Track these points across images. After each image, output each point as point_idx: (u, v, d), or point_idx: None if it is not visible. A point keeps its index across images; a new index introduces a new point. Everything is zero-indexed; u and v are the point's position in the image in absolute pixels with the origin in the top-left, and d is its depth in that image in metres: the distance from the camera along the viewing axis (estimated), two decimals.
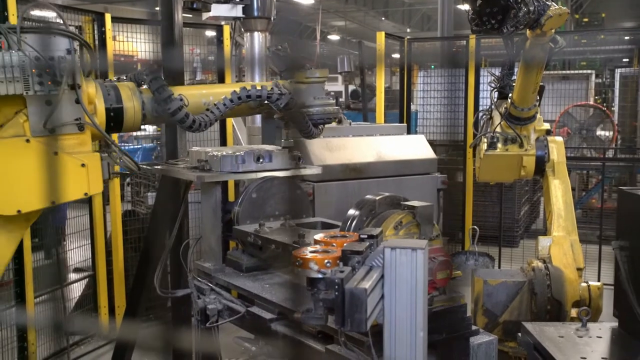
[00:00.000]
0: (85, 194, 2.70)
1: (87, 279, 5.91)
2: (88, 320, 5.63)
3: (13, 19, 4.52)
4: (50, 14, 5.57)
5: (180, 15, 4.18)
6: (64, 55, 2.56)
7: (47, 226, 5.54)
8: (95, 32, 5.53)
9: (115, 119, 2.91)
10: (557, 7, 3.98)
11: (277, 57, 3.50)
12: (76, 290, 5.88)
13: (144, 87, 3.00)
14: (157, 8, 4.39)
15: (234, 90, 3.16)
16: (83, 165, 2.65)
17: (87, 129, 2.69)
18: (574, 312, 3.99)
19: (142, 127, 3.09)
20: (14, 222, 2.64)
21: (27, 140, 2.56)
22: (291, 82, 3.42)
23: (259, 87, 3.20)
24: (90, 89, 2.79)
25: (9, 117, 2.56)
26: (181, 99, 2.96)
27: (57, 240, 5.62)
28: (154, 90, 2.92)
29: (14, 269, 4.73)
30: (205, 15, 5.83)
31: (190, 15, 6.16)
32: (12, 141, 2.55)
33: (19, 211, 2.59)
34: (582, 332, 2.92)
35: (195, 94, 3.17)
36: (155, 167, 3.65)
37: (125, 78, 3.06)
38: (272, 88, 3.21)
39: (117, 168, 3.10)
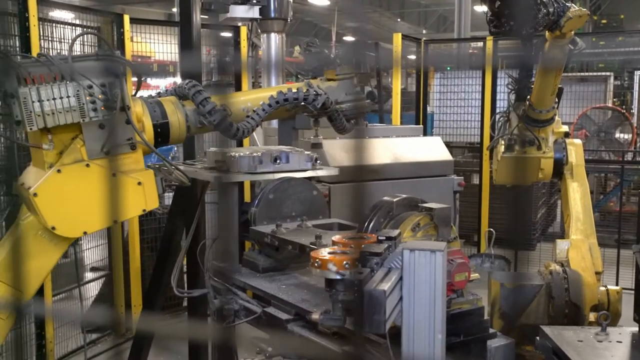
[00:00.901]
0: (144, 210, 2.81)
1: (103, 278, 5.96)
2: (105, 317, 5.67)
3: (34, 20, 4.57)
4: (67, 15, 5.63)
5: (198, 17, 4.21)
6: (113, 80, 2.64)
7: None
8: (115, 33, 5.58)
9: (162, 134, 2.98)
10: (576, 8, 3.94)
11: (309, 54, 3.51)
12: (93, 289, 5.93)
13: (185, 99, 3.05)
14: (174, 9, 4.42)
15: (272, 95, 3.18)
16: (139, 183, 2.75)
17: (138, 147, 2.77)
18: (592, 317, 3.95)
19: None
20: (63, 237, 2.72)
21: (87, 165, 2.66)
22: (321, 79, 3.42)
23: (294, 90, 3.22)
24: (138, 108, 2.86)
25: (66, 143, 2.67)
26: (224, 109, 2.99)
27: (74, 239, 5.68)
28: (198, 103, 2.96)
29: None
30: (222, 17, 5.85)
31: (207, 17, 6.19)
32: (74, 167, 2.66)
33: (84, 233, 2.73)
34: (602, 337, 2.89)
35: (234, 102, 3.22)
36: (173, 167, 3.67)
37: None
38: (307, 89, 3.22)
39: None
